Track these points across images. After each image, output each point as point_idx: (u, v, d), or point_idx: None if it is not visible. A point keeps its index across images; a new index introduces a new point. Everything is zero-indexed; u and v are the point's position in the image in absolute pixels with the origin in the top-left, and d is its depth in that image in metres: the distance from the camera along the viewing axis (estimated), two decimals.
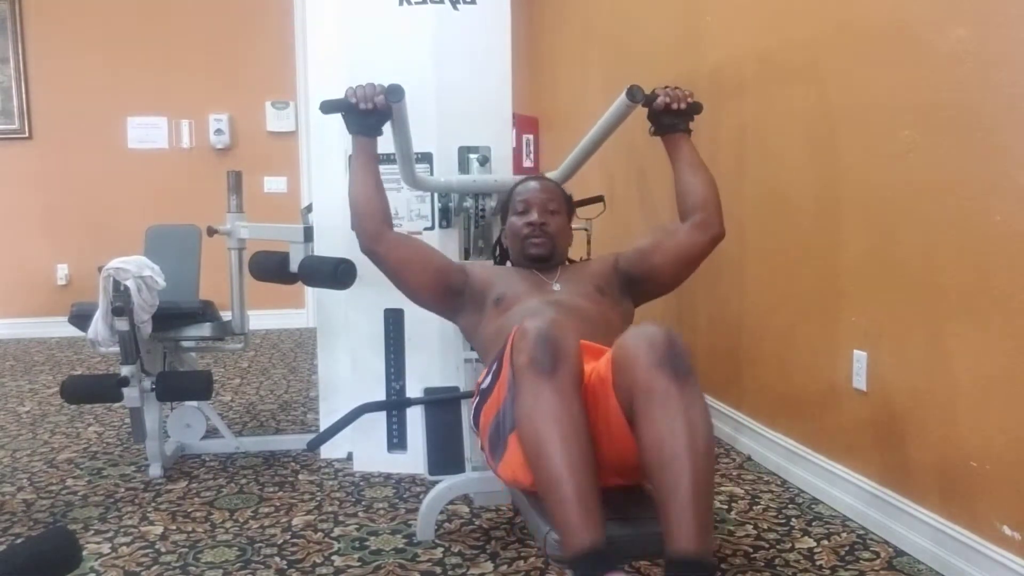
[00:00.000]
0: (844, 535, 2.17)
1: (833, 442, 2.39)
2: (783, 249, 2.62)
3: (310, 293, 5.26)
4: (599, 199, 2.93)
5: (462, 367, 2.30)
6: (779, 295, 2.65)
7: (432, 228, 2.59)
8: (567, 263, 2.18)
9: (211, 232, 2.87)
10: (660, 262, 2.06)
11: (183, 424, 2.78)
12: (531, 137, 5.21)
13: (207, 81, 5.53)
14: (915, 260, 2.02)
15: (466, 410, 2.08)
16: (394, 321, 2.64)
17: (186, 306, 2.86)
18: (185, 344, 2.98)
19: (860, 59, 2.21)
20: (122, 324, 2.54)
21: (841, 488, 2.32)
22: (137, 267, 2.56)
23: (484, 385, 1.76)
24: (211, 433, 2.89)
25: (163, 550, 2.12)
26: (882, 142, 2.12)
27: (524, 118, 4.99)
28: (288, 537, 2.20)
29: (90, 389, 2.78)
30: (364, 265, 2.47)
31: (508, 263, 2.25)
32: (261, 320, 4.59)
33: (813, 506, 2.37)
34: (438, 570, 2.00)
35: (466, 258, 2.54)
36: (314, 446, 2.49)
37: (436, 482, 2.18)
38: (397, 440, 2.68)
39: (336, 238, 2.69)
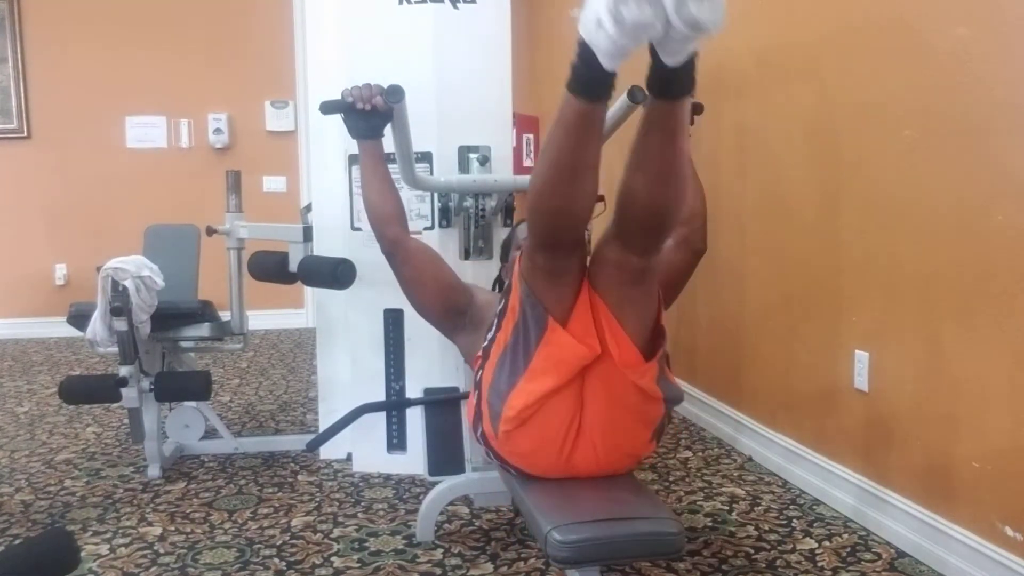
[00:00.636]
0: (845, 536, 2.17)
1: (834, 443, 2.38)
2: (784, 249, 2.61)
3: (309, 293, 5.25)
4: (599, 199, 2.92)
5: (462, 367, 2.30)
6: (780, 295, 2.65)
7: (432, 228, 2.59)
8: None
9: (210, 232, 2.87)
10: None
11: (182, 425, 2.78)
12: (531, 137, 5.20)
13: (206, 80, 5.52)
14: (916, 260, 2.02)
15: (466, 410, 2.07)
16: (394, 321, 2.63)
17: (185, 306, 2.85)
18: (184, 344, 2.98)
19: (861, 59, 2.20)
20: (121, 324, 2.53)
21: (843, 489, 2.32)
22: (136, 267, 2.55)
23: (485, 343, 1.73)
24: (210, 434, 2.88)
25: (161, 551, 2.12)
26: (883, 142, 2.11)
27: (524, 118, 4.98)
28: (287, 538, 2.19)
29: (88, 389, 2.77)
30: (364, 265, 2.47)
31: None
32: (260, 320, 4.58)
33: (814, 507, 2.36)
34: (438, 571, 1.99)
35: (466, 258, 2.53)
36: (313, 447, 2.49)
37: (436, 483, 2.18)
38: (397, 441, 2.67)
39: (336, 238, 2.68)
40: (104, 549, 2.13)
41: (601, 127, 1.44)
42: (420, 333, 2.60)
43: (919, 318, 2.02)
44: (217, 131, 5.54)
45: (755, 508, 2.37)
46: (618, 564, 1.95)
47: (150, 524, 2.30)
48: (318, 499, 2.47)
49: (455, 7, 2.56)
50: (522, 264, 1.61)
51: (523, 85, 4.02)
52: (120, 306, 2.51)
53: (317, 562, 2.04)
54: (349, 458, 2.77)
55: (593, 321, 1.55)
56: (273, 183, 5.61)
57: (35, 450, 2.99)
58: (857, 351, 2.23)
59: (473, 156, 2.54)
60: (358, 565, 2.02)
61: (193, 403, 2.79)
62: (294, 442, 2.93)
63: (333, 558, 2.06)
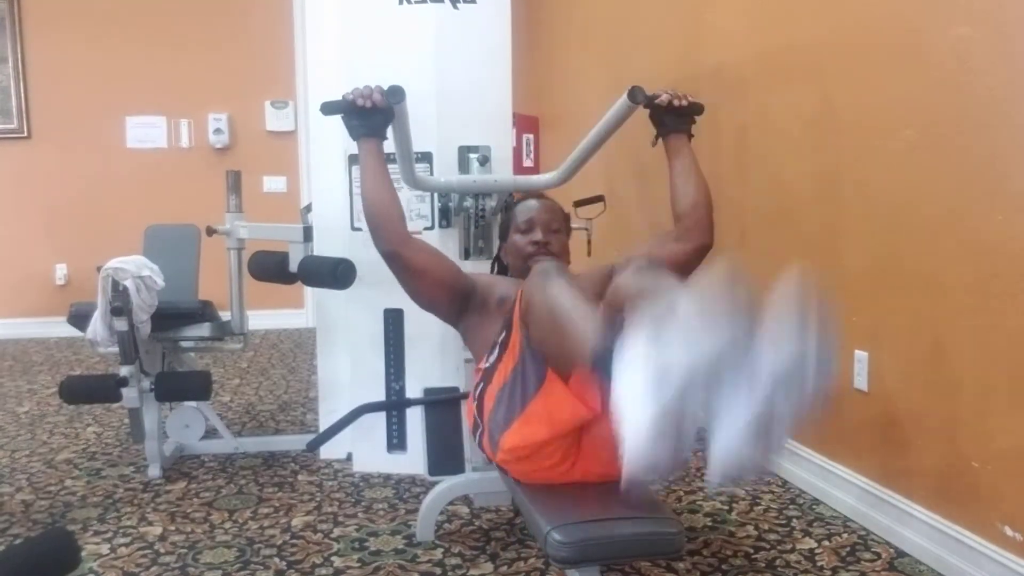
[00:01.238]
0: (845, 536, 2.17)
1: (834, 443, 2.38)
2: (784, 249, 2.61)
3: (309, 293, 5.25)
4: (599, 199, 2.93)
5: (462, 367, 2.30)
6: None
7: (432, 228, 2.59)
8: None
9: (210, 232, 2.87)
10: None
11: (182, 424, 2.78)
12: (531, 137, 5.20)
13: (206, 80, 5.52)
14: (916, 260, 2.02)
15: (465, 411, 2.08)
16: (394, 321, 2.63)
17: (185, 306, 2.85)
18: (184, 344, 2.98)
19: (861, 59, 2.20)
20: (121, 324, 2.53)
21: (842, 489, 2.32)
22: (136, 267, 2.55)
23: (487, 364, 1.75)
24: (210, 433, 2.88)
25: (162, 551, 2.12)
26: (883, 142, 2.11)
27: (524, 118, 4.98)
28: (287, 538, 2.19)
29: (89, 389, 2.77)
30: (364, 265, 2.47)
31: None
32: (260, 320, 4.57)
33: (814, 507, 2.37)
34: (438, 571, 1.99)
35: (466, 258, 2.53)
36: (314, 447, 2.49)
37: (436, 483, 2.18)
38: (397, 440, 2.67)
39: (336, 238, 2.68)
40: (105, 549, 2.14)
41: None
42: (420, 333, 2.61)
43: (919, 318, 2.02)
44: (217, 131, 5.54)
45: (755, 508, 2.37)
46: (618, 564, 1.95)
47: (150, 524, 2.30)
48: (318, 499, 2.47)
49: (455, 7, 2.56)
50: (522, 309, 1.59)
51: (523, 85, 4.03)
52: (120, 306, 2.51)
53: (317, 562, 2.04)
54: (349, 458, 2.77)
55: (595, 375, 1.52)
56: (273, 183, 5.61)
57: (36, 450, 2.99)
58: (857, 351, 2.23)
59: (473, 156, 2.55)
60: (358, 565, 2.03)
61: (193, 403, 2.79)
62: (294, 442, 2.93)
63: (333, 558, 2.07)
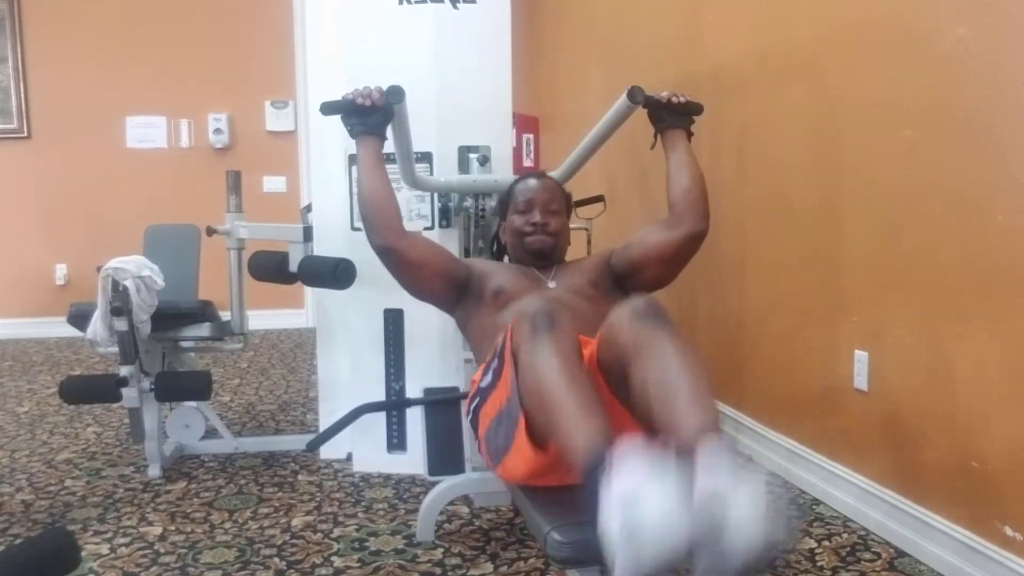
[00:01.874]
0: (845, 536, 2.17)
1: (834, 442, 2.38)
2: (784, 249, 2.61)
3: (309, 293, 5.25)
4: (599, 199, 2.93)
5: (462, 367, 2.30)
6: (780, 295, 2.65)
7: (432, 228, 2.59)
8: (563, 262, 2.18)
9: (210, 232, 2.87)
10: (641, 260, 2.04)
11: (182, 424, 2.78)
12: (531, 137, 5.21)
13: (206, 80, 5.52)
14: (917, 260, 2.02)
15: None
16: (394, 321, 2.63)
17: (185, 306, 2.85)
18: (184, 344, 2.98)
19: (861, 59, 2.20)
20: (121, 324, 2.53)
21: (842, 489, 2.32)
22: (136, 267, 2.55)
23: (483, 384, 1.75)
24: (210, 433, 2.88)
25: (162, 551, 2.12)
26: (883, 141, 2.11)
27: (524, 117, 4.99)
28: (287, 538, 2.19)
29: (89, 389, 2.77)
30: (364, 265, 2.47)
31: (505, 259, 2.26)
32: (260, 320, 4.58)
33: (814, 507, 2.36)
34: (438, 571, 1.99)
35: (466, 258, 2.53)
36: (314, 447, 2.49)
37: (436, 483, 2.18)
38: (397, 440, 2.67)
39: (336, 238, 2.69)
40: (105, 549, 2.13)
41: None
42: (420, 333, 2.61)
43: (919, 318, 2.02)
44: (217, 131, 5.54)
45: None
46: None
47: (150, 524, 2.30)
48: (318, 499, 2.47)
49: (455, 7, 2.56)
50: (514, 342, 1.55)
51: (523, 85, 4.03)
52: (120, 306, 2.51)
53: (317, 562, 2.04)
54: (349, 458, 2.77)
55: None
56: (273, 183, 5.61)
57: (35, 450, 2.99)
58: (857, 351, 2.23)
59: (473, 156, 2.54)
60: (358, 565, 2.03)
61: (193, 403, 2.79)
62: (294, 442, 2.93)
63: (333, 558, 2.07)
